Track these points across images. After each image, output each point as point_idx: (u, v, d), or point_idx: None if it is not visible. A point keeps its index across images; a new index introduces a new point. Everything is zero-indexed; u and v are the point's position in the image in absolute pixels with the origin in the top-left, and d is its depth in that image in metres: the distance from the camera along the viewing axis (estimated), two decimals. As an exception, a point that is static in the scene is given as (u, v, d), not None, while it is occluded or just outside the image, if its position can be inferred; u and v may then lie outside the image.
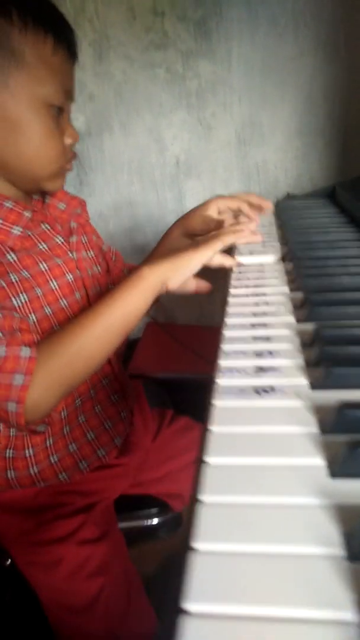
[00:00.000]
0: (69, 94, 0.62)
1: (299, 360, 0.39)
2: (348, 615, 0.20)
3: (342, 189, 1.01)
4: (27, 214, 0.64)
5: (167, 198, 1.59)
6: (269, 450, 0.29)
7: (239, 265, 0.67)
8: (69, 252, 0.70)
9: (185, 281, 0.63)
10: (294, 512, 0.24)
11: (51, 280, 0.65)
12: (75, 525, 0.69)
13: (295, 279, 0.57)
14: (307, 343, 0.42)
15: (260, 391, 0.35)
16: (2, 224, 0.62)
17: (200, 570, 0.22)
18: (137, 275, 0.60)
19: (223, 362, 0.40)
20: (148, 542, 0.91)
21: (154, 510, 0.86)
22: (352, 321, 0.44)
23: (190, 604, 0.20)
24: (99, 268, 0.76)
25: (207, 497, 0.25)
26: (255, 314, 0.49)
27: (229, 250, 0.69)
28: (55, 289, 0.65)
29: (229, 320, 0.48)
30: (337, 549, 0.22)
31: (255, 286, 0.57)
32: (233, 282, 0.59)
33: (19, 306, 0.60)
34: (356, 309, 0.46)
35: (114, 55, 1.45)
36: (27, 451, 0.68)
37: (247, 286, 0.57)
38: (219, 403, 0.34)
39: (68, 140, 0.64)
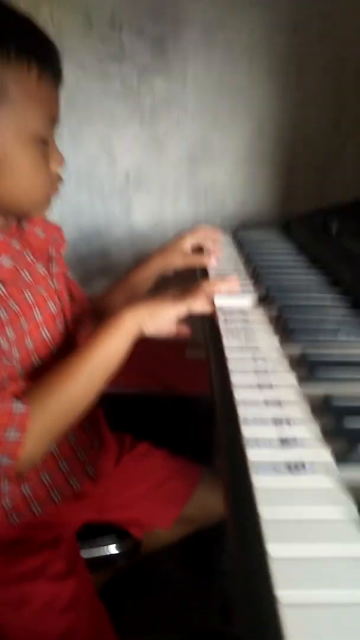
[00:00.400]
0: (55, 120, 0.61)
1: (315, 429, 0.42)
2: None
3: (299, 226, 1.06)
4: (16, 245, 0.62)
5: (115, 211, 1.57)
6: (322, 537, 0.31)
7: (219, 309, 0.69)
8: (50, 282, 0.69)
9: (164, 328, 0.65)
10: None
11: (36, 311, 0.64)
12: (43, 560, 0.68)
13: (283, 333, 0.60)
14: (317, 410, 0.44)
15: (292, 468, 0.37)
16: None
17: None
18: (118, 319, 0.62)
19: (246, 432, 0.41)
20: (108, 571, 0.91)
21: (114, 538, 0.86)
22: (351, 385, 0.48)
23: None
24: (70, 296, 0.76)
25: (284, 593, 0.27)
26: (256, 372, 0.51)
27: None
28: (39, 320, 0.65)
29: (235, 378, 0.49)
30: None
31: (246, 338, 0.59)
32: (222, 330, 0.61)
33: (8, 342, 0.58)
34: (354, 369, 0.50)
35: (67, 63, 1.40)
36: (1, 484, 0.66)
37: (238, 337, 0.59)
38: (258, 482, 0.35)
39: (54, 167, 0.63)
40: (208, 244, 0.86)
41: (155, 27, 1.38)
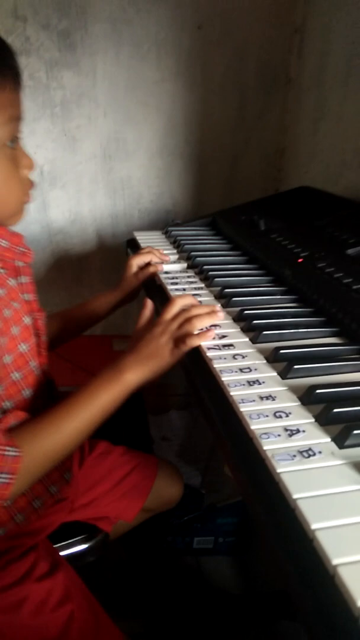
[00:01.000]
0: (19, 119, 0.61)
1: (310, 417, 0.49)
2: None
3: (227, 222, 1.14)
4: None
5: (30, 207, 1.53)
6: (348, 509, 0.38)
7: None
8: (21, 295, 0.68)
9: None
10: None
11: (13, 327, 0.64)
12: (28, 564, 0.70)
13: (251, 331, 0.67)
14: (304, 400, 0.52)
15: (305, 453, 0.44)
16: None
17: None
18: (119, 375, 0.65)
19: (255, 426, 0.47)
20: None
21: (84, 535, 0.89)
22: (327, 377, 0.56)
23: None
24: None
25: (340, 559, 0.33)
26: (242, 370, 0.57)
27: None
28: (16, 334, 0.65)
29: (226, 378, 0.55)
30: None
31: (219, 337, 0.65)
32: (195, 332, 0.66)
33: None
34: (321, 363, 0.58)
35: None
36: None
37: (212, 338, 0.65)
38: (283, 470, 0.42)
39: (24, 172, 0.63)
40: (154, 258, 0.92)
41: (62, 20, 1.36)
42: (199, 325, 0.65)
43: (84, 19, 1.37)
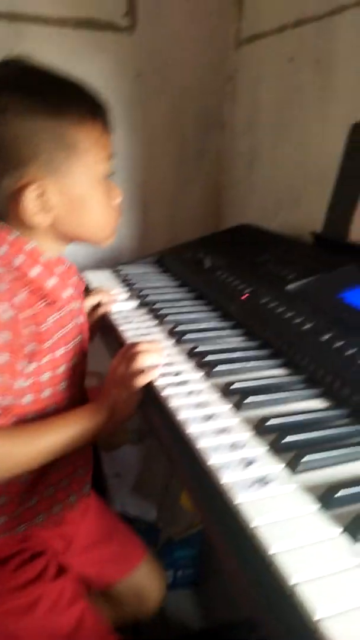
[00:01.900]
0: (112, 156, 0.73)
1: (264, 447, 0.52)
2: None
3: (174, 261, 1.18)
4: (70, 291, 0.74)
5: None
6: (302, 531, 0.41)
7: None
8: (76, 317, 0.78)
9: None
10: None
11: (66, 347, 0.74)
12: (41, 565, 0.76)
13: (203, 366, 0.70)
14: (258, 431, 0.55)
15: (261, 482, 0.47)
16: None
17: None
18: (97, 416, 0.70)
19: (212, 460, 0.50)
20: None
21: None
22: (276, 408, 0.60)
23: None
24: None
25: (296, 579, 0.37)
26: (198, 406, 0.60)
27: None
28: (64, 353, 0.74)
29: (183, 415, 0.58)
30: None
31: (175, 374, 0.68)
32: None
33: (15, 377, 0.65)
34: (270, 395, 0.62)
35: None
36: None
37: (166, 374, 0.68)
38: (241, 499, 0.45)
39: (116, 201, 0.75)
40: (104, 298, 0.95)
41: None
42: (143, 361, 0.69)
43: (25, 66, 1.41)
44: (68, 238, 0.74)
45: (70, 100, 0.67)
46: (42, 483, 0.77)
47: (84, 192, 0.68)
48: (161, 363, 0.70)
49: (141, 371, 0.68)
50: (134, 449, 1.82)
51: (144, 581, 0.94)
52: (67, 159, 0.65)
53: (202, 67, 1.56)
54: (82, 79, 0.73)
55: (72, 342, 0.76)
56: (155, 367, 0.69)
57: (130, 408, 0.70)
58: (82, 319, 0.81)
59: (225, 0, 1.51)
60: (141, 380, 0.67)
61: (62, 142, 0.64)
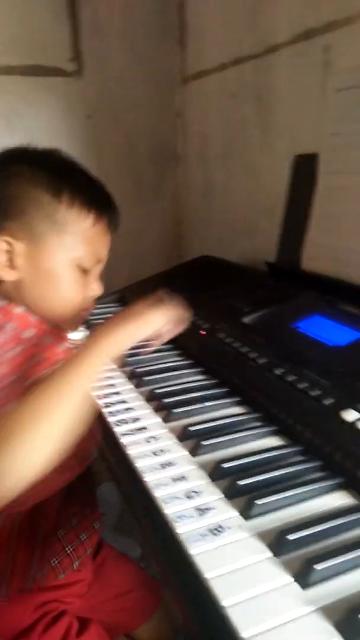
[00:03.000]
0: (100, 260, 0.73)
1: (219, 493, 0.53)
2: None
3: (134, 297, 1.19)
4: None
5: None
6: (256, 581, 0.42)
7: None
8: None
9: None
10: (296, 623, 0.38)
11: None
12: (65, 624, 0.77)
13: (162, 410, 0.71)
14: (213, 476, 0.56)
15: (215, 531, 0.47)
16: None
17: None
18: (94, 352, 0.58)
19: (168, 510, 0.50)
20: None
21: None
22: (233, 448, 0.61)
23: None
24: None
25: (247, 633, 0.37)
26: (155, 453, 0.61)
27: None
28: None
29: (140, 464, 0.58)
30: None
31: (133, 420, 0.69)
32: (110, 418, 0.69)
33: None
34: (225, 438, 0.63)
35: None
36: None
37: (125, 422, 0.68)
38: (195, 551, 0.45)
39: (90, 293, 0.74)
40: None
41: None
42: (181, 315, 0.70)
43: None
44: (34, 307, 0.70)
45: (77, 183, 0.69)
46: (59, 542, 0.77)
47: (53, 269, 0.68)
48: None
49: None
50: (113, 486, 1.80)
51: (161, 622, 0.96)
52: (48, 232, 0.66)
53: (151, 105, 1.60)
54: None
55: None
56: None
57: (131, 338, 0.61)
58: None
59: (169, 41, 1.56)
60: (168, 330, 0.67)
61: (50, 215, 0.65)
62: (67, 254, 0.68)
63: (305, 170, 0.99)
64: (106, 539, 1.37)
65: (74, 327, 0.76)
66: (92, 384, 0.56)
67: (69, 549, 0.78)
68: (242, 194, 1.31)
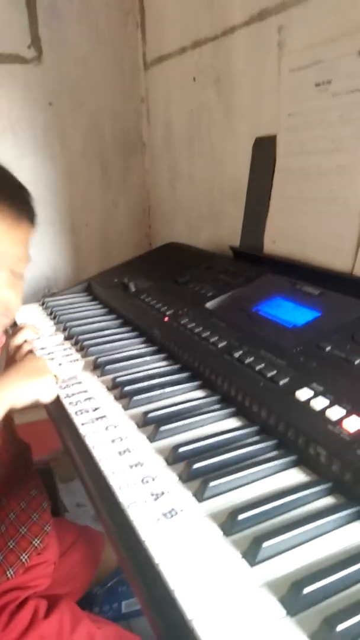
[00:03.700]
0: (23, 259, 0.74)
1: (174, 477, 0.53)
2: None
3: (100, 287, 1.19)
4: None
5: None
6: (206, 561, 0.42)
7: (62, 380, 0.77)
8: None
9: None
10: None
11: None
12: (31, 610, 0.77)
13: (122, 397, 0.71)
14: (169, 461, 0.56)
15: (168, 514, 0.48)
16: None
17: None
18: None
19: (122, 497, 0.51)
20: None
21: None
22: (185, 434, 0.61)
23: None
24: None
25: (193, 614, 0.37)
26: (113, 441, 0.61)
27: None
28: None
29: (97, 453, 0.58)
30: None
31: (92, 409, 0.68)
32: (70, 408, 0.69)
33: None
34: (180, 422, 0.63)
35: None
36: None
37: (86, 411, 0.68)
38: (147, 535, 0.45)
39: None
40: (29, 334, 0.95)
41: None
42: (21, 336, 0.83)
43: None
44: None
45: None
46: (1, 538, 0.78)
47: None
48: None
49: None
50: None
51: (108, 557, 1.07)
52: None
53: (114, 90, 1.58)
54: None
55: None
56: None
57: (30, 396, 0.71)
58: None
59: (130, 24, 1.53)
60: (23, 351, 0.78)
61: None
62: None
63: (265, 152, 0.99)
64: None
65: None
66: None
67: (22, 530, 0.79)
68: (206, 179, 1.31)
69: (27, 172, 1.53)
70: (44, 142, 1.54)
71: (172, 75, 1.38)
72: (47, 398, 0.72)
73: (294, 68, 0.86)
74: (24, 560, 0.79)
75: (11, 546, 0.79)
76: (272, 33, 0.93)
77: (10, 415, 0.82)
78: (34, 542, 0.82)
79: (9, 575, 0.77)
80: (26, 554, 0.80)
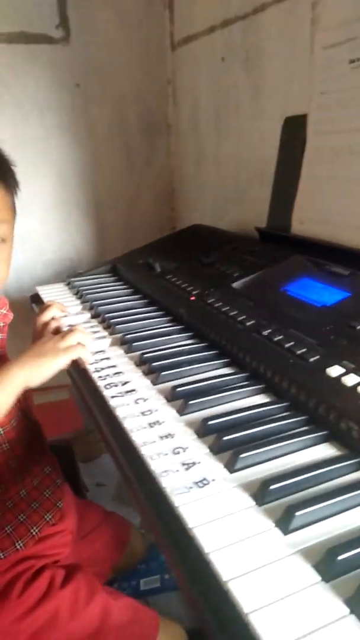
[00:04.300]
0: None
1: (205, 449, 0.54)
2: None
3: (125, 267, 1.19)
4: None
5: None
6: (239, 528, 0.43)
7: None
8: None
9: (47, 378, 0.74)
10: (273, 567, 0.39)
11: None
12: (47, 578, 0.78)
13: (150, 373, 0.72)
14: (199, 433, 0.57)
15: (199, 484, 0.48)
16: None
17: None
18: (6, 371, 0.70)
19: (154, 466, 0.51)
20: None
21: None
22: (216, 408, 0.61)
23: None
24: None
25: (228, 576, 0.38)
26: (143, 413, 0.61)
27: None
28: None
29: (128, 424, 0.59)
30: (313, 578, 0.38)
31: (121, 383, 0.69)
32: (99, 382, 0.70)
33: None
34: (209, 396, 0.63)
35: None
36: None
37: (115, 385, 0.69)
38: (180, 502, 0.46)
39: None
40: (56, 312, 0.96)
41: None
42: (75, 337, 0.77)
43: None
44: None
45: None
46: (11, 512, 0.79)
47: None
48: (89, 346, 0.79)
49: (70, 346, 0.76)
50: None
51: (134, 548, 1.09)
52: None
53: (140, 72, 1.57)
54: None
55: None
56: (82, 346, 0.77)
57: (46, 371, 0.73)
58: None
59: (156, 5, 1.52)
60: (69, 353, 0.74)
61: None
62: None
63: (295, 132, 0.98)
64: (106, 509, 1.40)
65: None
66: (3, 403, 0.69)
67: (34, 505, 0.81)
68: (233, 160, 1.30)
69: (52, 153, 1.55)
70: (70, 123, 1.54)
71: (200, 55, 1.37)
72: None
73: (327, 45, 0.84)
74: (34, 533, 0.80)
75: (21, 519, 0.79)
76: (305, 10, 0.92)
77: (27, 394, 0.82)
78: (45, 517, 0.83)
79: (18, 547, 0.78)
80: (37, 527, 0.80)
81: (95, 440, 1.75)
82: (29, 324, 0.97)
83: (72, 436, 1.67)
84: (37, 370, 0.72)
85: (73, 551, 0.89)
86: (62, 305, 0.99)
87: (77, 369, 0.78)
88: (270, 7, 1.03)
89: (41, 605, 0.75)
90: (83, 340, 0.78)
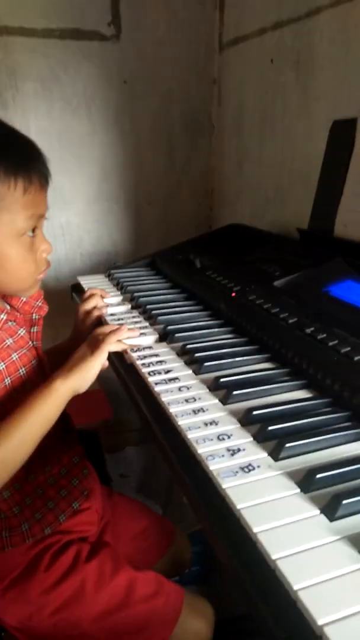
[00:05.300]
0: (42, 216, 0.71)
1: (249, 437, 0.55)
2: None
3: (165, 262, 1.21)
4: (3, 316, 0.74)
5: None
6: (285, 512, 0.44)
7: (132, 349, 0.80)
8: (30, 342, 0.79)
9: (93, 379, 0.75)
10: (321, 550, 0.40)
11: (20, 368, 0.74)
12: (74, 552, 0.80)
13: (193, 363, 0.73)
14: (243, 422, 0.58)
15: (245, 469, 0.50)
16: None
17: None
18: (51, 388, 0.70)
19: (200, 450, 0.53)
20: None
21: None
22: (262, 399, 0.63)
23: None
24: None
25: (278, 555, 0.39)
26: (187, 400, 0.63)
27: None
28: (23, 374, 0.75)
29: (173, 410, 0.61)
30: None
31: (165, 372, 0.71)
32: (143, 369, 0.72)
33: None
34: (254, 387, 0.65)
35: None
36: (15, 509, 0.77)
37: (158, 372, 0.71)
38: (227, 485, 0.47)
39: (42, 255, 0.74)
40: (98, 301, 0.98)
41: (-8, 81, 1.42)
42: (116, 336, 0.77)
43: (14, 78, 1.44)
44: None
45: None
46: (41, 499, 0.80)
47: (1, 248, 0.67)
48: (135, 341, 0.81)
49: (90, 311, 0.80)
50: (137, 449, 1.85)
51: (178, 554, 1.05)
52: None
53: (187, 71, 1.59)
54: (24, 135, 0.70)
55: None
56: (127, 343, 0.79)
57: (91, 371, 0.72)
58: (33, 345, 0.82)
59: (207, 6, 1.54)
60: (112, 346, 0.75)
61: None
62: (8, 230, 0.66)
63: (343, 135, 0.98)
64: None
65: (33, 292, 0.79)
66: (49, 421, 0.69)
67: (63, 493, 0.83)
68: (276, 162, 1.31)
69: (96, 148, 1.58)
70: (115, 119, 1.57)
71: (248, 56, 1.38)
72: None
73: (383, 50, 0.85)
74: (61, 520, 0.81)
75: (50, 506, 0.81)
76: (361, 14, 0.92)
77: None
78: (73, 505, 0.84)
79: (46, 532, 0.79)
80: (64, 515, 0.82)
81: (122, 431, 1.78)
82: (65, 315, 0.99)
83: (98, 425, 1.69)
84: (81, 378, 0.72)
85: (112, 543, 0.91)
86: (104, 292, 1.01)
87: (119, 358, 0.80)
88: (325, 11, 1.04)
89: (68, 578, 0.77)
90: (130, 335, 0.81)
